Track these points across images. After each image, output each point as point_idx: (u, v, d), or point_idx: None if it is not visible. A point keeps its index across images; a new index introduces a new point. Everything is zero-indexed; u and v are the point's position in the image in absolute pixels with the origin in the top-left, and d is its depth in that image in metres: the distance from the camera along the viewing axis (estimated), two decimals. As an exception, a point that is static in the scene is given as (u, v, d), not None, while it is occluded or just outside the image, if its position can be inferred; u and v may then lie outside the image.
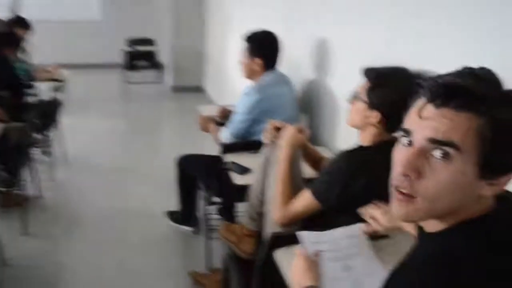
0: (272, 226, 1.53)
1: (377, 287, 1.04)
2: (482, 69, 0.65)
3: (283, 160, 1.52)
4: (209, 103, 5.65)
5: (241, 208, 2.53)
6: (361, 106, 1.37)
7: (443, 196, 0.63)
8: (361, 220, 1.27)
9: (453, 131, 0.61)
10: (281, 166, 1.51)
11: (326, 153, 1.91)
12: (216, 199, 2.24)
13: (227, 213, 2.69)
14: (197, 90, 6.35)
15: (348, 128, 2.05)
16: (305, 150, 1.67)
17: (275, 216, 1.45)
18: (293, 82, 2.36)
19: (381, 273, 1.08)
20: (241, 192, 1.78)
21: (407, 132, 0.66)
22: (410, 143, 0.66)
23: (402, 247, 1.21)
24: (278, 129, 1.65)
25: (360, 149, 1.39)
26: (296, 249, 1.06)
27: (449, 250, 0.65)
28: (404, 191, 0.65)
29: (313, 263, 1.02)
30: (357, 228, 1.20)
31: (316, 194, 1.35)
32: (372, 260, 1.13)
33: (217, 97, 5.35)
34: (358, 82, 1.45)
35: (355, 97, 1.40)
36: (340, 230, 1.18)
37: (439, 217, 0.67)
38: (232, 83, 4.36)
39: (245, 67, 2.30)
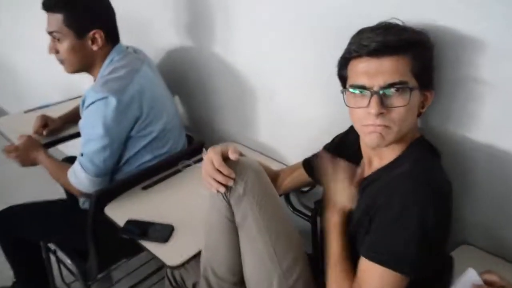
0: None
1: None
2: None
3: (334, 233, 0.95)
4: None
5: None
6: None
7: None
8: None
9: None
10: (334, 243, 0.93)
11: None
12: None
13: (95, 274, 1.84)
14: None
15: (269, 119, 1.45)
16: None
17: None
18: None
19: None
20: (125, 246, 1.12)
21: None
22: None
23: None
24: (227, 159, 0.97)
25: (425, 167, 0.86)
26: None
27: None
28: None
29: None
30: (470, 279, 0.78)
31: (404, 266, 0.79)
32: None
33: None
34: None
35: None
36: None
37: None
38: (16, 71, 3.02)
39: (69, 56, 1.34)
